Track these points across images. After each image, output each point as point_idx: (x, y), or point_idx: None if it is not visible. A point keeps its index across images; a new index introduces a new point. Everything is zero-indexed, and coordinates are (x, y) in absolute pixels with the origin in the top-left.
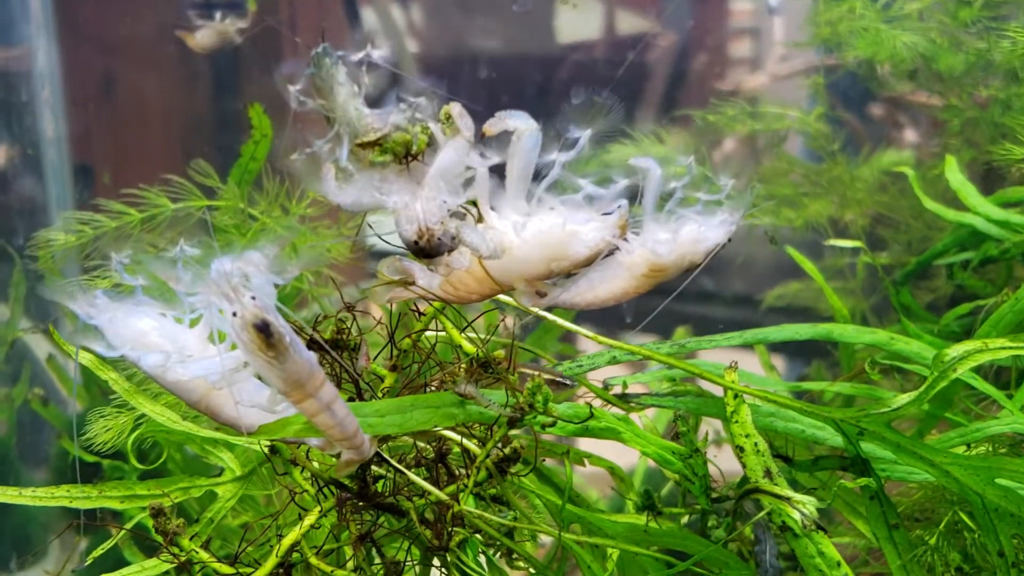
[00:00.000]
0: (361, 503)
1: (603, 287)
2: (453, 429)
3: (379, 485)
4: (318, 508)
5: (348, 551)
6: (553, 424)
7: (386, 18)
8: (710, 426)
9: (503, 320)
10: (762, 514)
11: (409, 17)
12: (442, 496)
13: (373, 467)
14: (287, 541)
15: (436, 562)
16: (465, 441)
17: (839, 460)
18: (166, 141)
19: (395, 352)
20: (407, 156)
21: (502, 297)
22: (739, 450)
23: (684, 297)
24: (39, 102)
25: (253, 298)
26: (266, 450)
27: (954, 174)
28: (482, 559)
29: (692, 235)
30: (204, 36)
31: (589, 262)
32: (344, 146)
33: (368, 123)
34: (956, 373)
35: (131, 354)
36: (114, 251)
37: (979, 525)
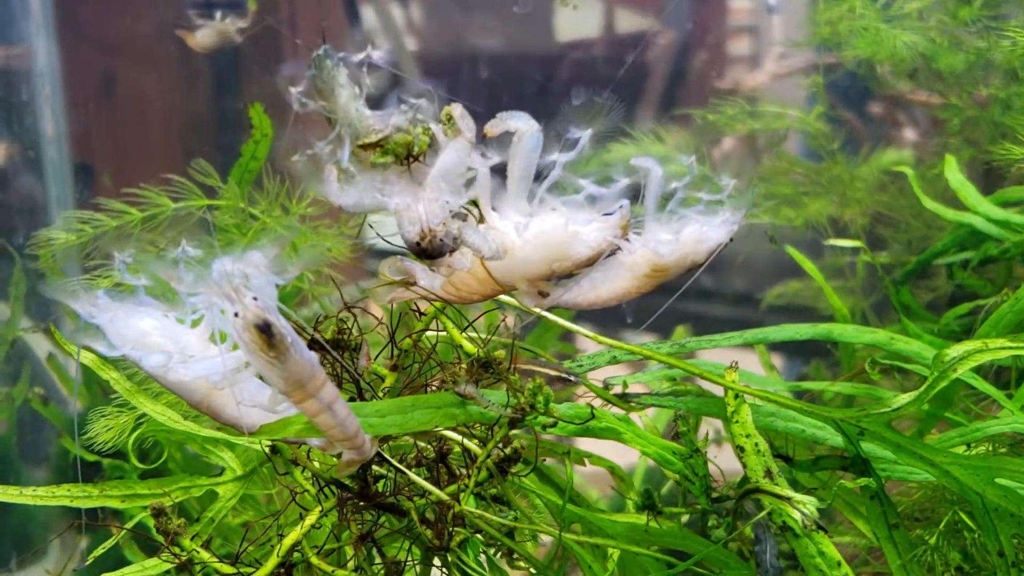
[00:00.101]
0: (362, 503)
1: (605, 287)
2: (454, 429)
3: (380, 485)
4: (319, 508)
5: (349, 551)
6: (554, 425)
7: (385, 17)
8: (710, 425)
9: (504, 320)
10: (763, 514)
11: (408, 15)
12: (443, 496)
13: (374, 467)
14: (288, 541)
15: (437, 562)
16: (466, 441)
17: (839, 460)
18: (166, 140)
19: (396, 352)
20: (408, 157)
21: (503, 297)
22: (740, 450)
23: (683, 295)
24: (39, 101)
25: (255, 298)
26: (267, 450)
27: (954, 174)
28: (483, 559)
29: (694, 235)
30: (204, 35)
31: (591, 262)
32: (346, 147)
33: (369, 124)
34: (956, 373)
35: (133, 354)
36: (115, 250)
37: (979, 525)
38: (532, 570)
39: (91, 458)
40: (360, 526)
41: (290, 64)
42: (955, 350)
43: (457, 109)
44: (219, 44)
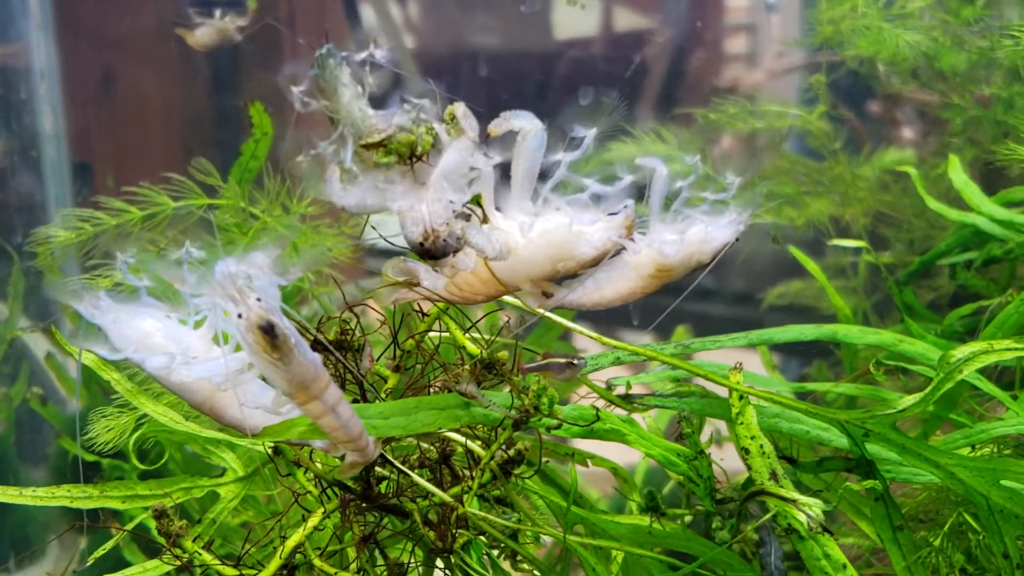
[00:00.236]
0: (365, 504)
1: (610, 287)
2: (457, 431)
3: (383, 486)
4: (322, 509)
5: (351, 553)
6: (559, 427)
7: (384, 15)
8: (711, 425)
9: (508, 321)
10: (768, 516)
11: (407, 14)
12: (446, 498)
13: (377, 468)
14: (291, 542)
15: (440, 564)
16: (469, 443)
17: (844, 461)
18: (165, 139)
19: (398, 353)
20: (412, 157)
21: (507, 298)
22: (744, 452)
23: (685, 295)
24: (38, 99)
25: (258, 300)
26: (269, 451)
27: (957, 173)
28: (486, 561)
29: (699, 235)
30: (204, 34)
31: (595, 262)
32: (348, 147)
33: (372, 124)
34: (962, 374)
35: (135, 356)
36: (116, 249)
37: (984, 526)
38: (535, 572)
39: (90, 458)
40: (363, 528)
41: (291, 63)
42: (961, 351)
43: (460, 108)
44: (218, 42)
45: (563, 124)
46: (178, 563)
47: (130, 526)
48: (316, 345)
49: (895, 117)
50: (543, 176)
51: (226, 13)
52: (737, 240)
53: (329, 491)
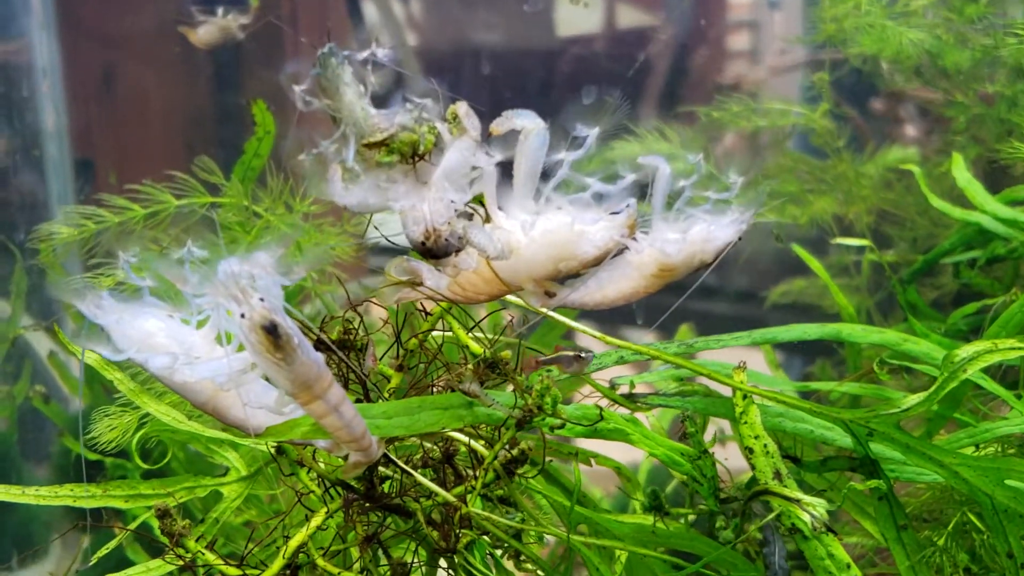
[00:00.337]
0: (368, 504)
1: (612, 287)
2: (460, 430)
3: (386, 486)
4: (325, 509)
5: (355, 552)
6: (562, 426)
7: (387, 12)
8: (715, 424)
9: (512, 320)
10: (771, 516)
11: (409, 11)
12: (449, 497)
13: (380, 468)
14: (294, 542)
15: (443, 563)
16: (473, 442)
17: (848, 461)
18: (167, 136)
19: (402, 352)
20: (414, 156)
21: (510, 297)
22: (748, 451)
23: (688, 293)
24: (40, 96)
25: (261, 299)
26: (272, 451)
27: (961, 172)
28: (489, 560)
29: (702, 234)
30: (206, 31)
31: (598, 262)
32: (350, 146)
33: (375, 123)
34: (966, 374)
35: (138, 356)
36: (118, 248)
37: (988, 526)
38: (539, 572)
39: (93, 457)
40: (366, 527)
41: (293, 62)
42: (965, 350)
43: (462, 107)
44: (221, 40)
45: (565, 123)
46: (181, 563)
47: (133, 525)
48: (319, 345)
49: (898, 115)
50: (545, 175)
51: (228, 11)
52: (740, 239)
53: (332, 491)
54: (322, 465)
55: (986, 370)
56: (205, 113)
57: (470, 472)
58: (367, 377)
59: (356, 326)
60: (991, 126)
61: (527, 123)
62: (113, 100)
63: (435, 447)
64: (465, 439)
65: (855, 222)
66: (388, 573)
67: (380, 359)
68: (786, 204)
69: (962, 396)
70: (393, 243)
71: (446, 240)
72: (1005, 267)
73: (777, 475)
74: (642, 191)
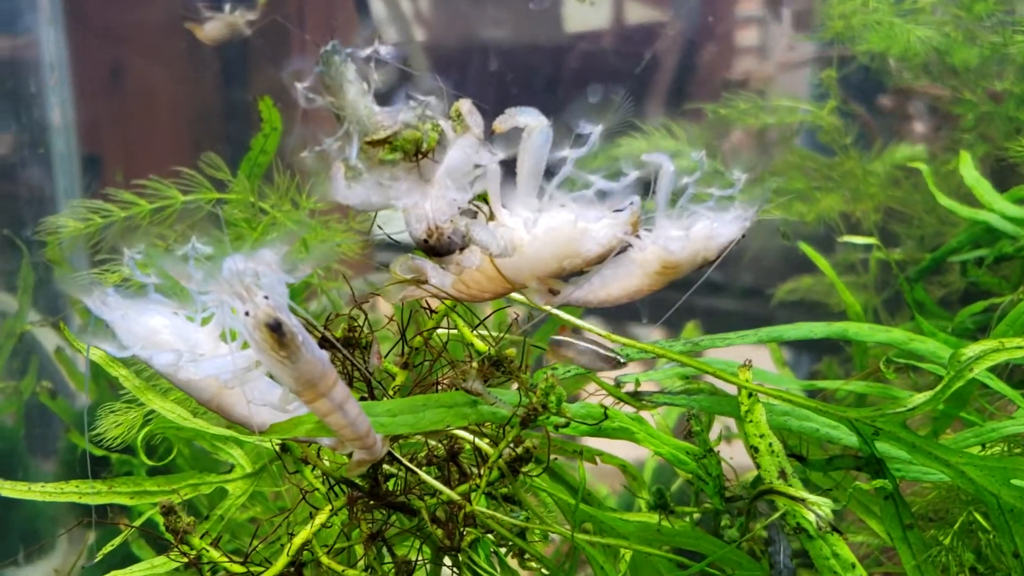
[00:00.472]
0: (372, 502)
1: (616, 284)
2: (465, 428)
3: (390, 484)
4: (329, 507)
5: (359, 550)
6: (567, 425)
7: (394, 8)
8: (720, 422)
9: (516, 318)
10: (777, 515)
11: (417, 7)
12: (454, 496)
13: (384, 466)
14: (298, 540)
15: (447, 562)
16: (477, 440)
17: (853, 460)
18: (175, 132)
19: (406, 350)
20: (417, 154)
21: (514, 295)
22: (753, 450)
23: (693, 290)
24: (47, 92)
25: (266, 297)
26: (277, 448)
27: (968, 170)
28: (493, 559)
29: (705, 231)
30: (213, 28)
31: (601, 259)
32: (354, 144)
33: (378, 121)
34: (973, 373)
35: (142, 353)
36: (124, 243)
37: (994, 526)
38: (543, 571)
39: (99, 453)
40: (370, 525)
41: (296, 59)
42: (972, 349)
43: (465, 105)
44: (228, 36)
45: (570, 120)
46: (186, 559)
47: (138, 522)
48: (323, 342)
49: (906, 112)
50: (549, 172)
51: (235, 7)
52: (744, 236)
53: (337, 488)
54: (327, 463)
55: (993, 369)
56: (212, 109)
57: (474, 470)
58: (372, 375)
59: (361, 323)
60: (999, 124)
61: (530, 120)
62: (120, 96)
63: (440, 445)
64: (470, 437)
65: (862, 220)
66: (392, 571)
67: (385, 357)
68: (793, 201)
69: (968, 395)
70: (397, 241)
71: (449, 238)
72: (1013, 265)
73: (782, 474)
74: (646, 188)
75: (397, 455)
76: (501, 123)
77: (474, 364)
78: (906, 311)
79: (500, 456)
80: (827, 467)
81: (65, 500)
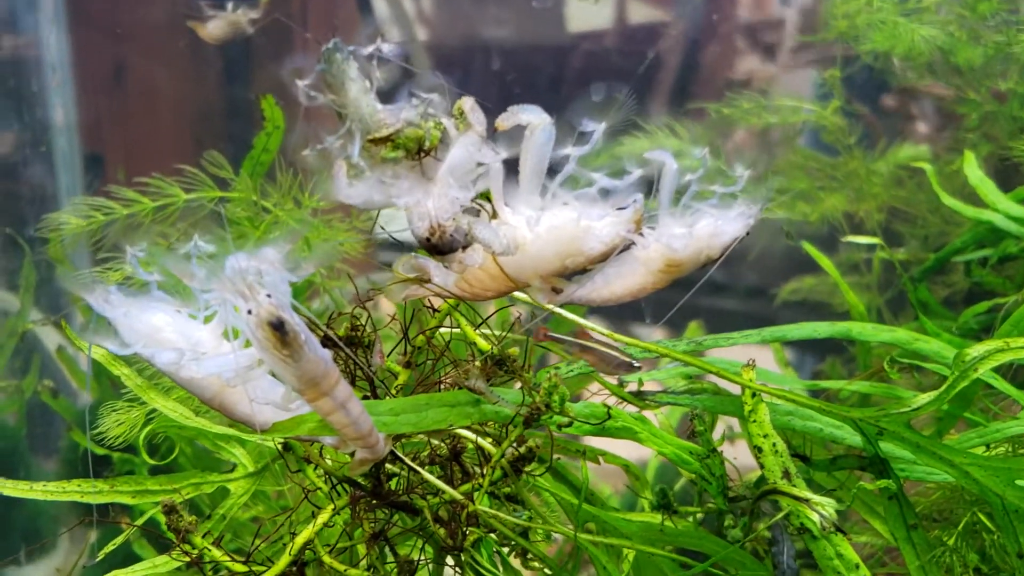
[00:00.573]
0: (375, 501)
1: (619, 283)
2: (468, 428)
3: (393, 483)
4: (331, 506)
5: (361, 549)
6: (570, 424)
7: (397, 7)
8: (723, 422)
9: (519, 317)
10: (780, 515)
11: (419, 6)
12: (456, 495)
13: (387, 465)
14: (300, 539)
15: (450, 561)
16: (480, 440)
17: (857, 460)
18: (177, 131)
19: (409, 348)
20: (419, 152)
21: (517, 294)
22: (757, 450)
23: (696, 290)
24: (49, 91)
25: (268, 296)
26: (279, 447)
27: (973, 170)
28: (496, 558)
29: (708, 229)
30: (216, 26)
31: (604, 258)
32: (356, 142)
33: (380, 119)
34: (977, 373)
35: (145, 351)
36: (126, 241)
37: (998, 526)
38: (546, 570)
39: (101, 452)
40: (373, 524)
41: (296, 57)
42: (976, 349)
43: (468, 103)
44: (230, 35)
45: (573, 119)
46: (188, 559)
47: (140, 521)
48: (326, 341)
49: (910, 111)
50: (552, 171)
51: (238, 6)
52: (748, 234)
53: (339, 488)
54: (329, 462)
55: (997, 369)
56: (214, 108)
57: (477, 470)
58: (374, 374)
59: (363, 322)
60: (1003, 123)
61: (533, 118)
62: (122, 95)
63: (442, 444)
64: (472, 436)
65: (866, 219)
66: (395, 570)
67: (387, 356)
68: (797, 201)
69: (973, 395)
70: (400, 241)
71: (451, 236)
72: (1017, 266)
73: (786, 474)
74: (649, 187)
75: (400, 454)
76: (504, 121)
77: (477, 363)
78: (909, 311)
79: (503, 455)
80: (831, 467)
81: (67, 499)
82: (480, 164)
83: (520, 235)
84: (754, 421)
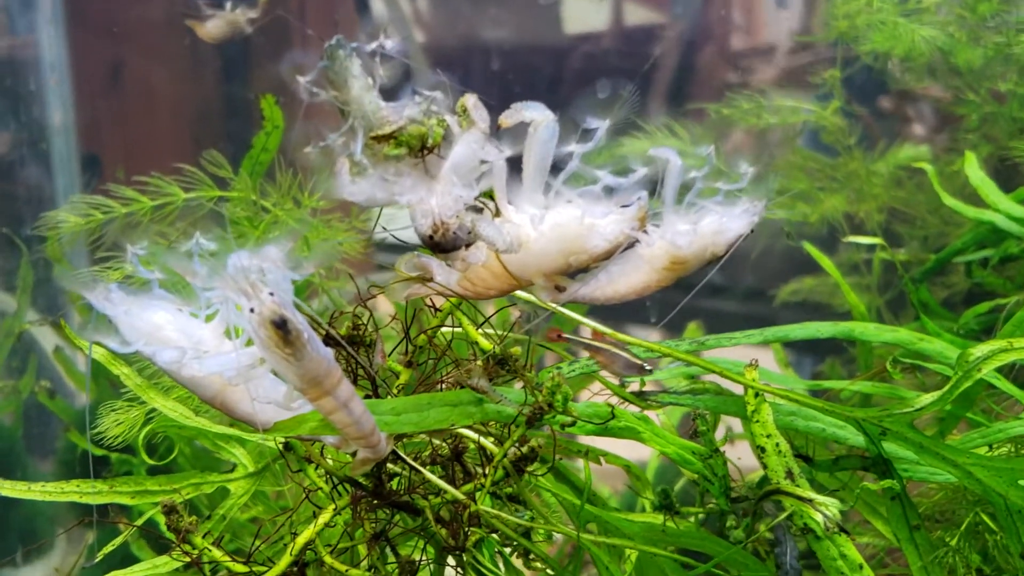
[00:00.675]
0: (376, 501)
1: (623, 281)
2: (470, 427)
3: (394, 483)
4: (332, 506)
5: (362, 550)
6: (573, 424)
7: (394, 8)
8: (723, 422)
9: (522, 316)
10: (783, 516)
11: (416, 7)
12: (458, 495)
13: (388, 465)
14: (301, 539)
15: (451, 561)
16: (482, 439)
17: (860, 460)
18: (175, 131)
19: (410, 348)
20: (423, 149)
21: (520, 293)
22: (760, 450)
23: (696, 291)
24: (47, 91)
25: (271, 294)
26: (280, 447)
27: (974, 170)
28: (498, 559)
29: (713, 226)
30: (214, 25)
31: (608, 255)
32: (358, 139)
33: (383, 116)
34: (981, 373)
35: (146, 350)
36: (125, 240)
37: (1001, 527)
38: (548, 571)
39: (99, 452)
40: (374, 525)
41: (296, 53)
42: (980, 349)
43: (471, 100)
44: (229, 34)
45: (575, 116)
46: (187, 559)
47: (139, 521)
48: (328, 340)
49: (906, 113)
50: (555, 168)
51: (236, 5)
52: (752, 232)
53: (340, 487)
54: (330, 462)
55: (999, 369)
56: (213, 108)
57: (479, 470)
58: (376, 373)
59: (365, 321)
60: (1003, 124)
61: (536, 115)
62: (120, 95)
63: (444, 444)
64: (475, 436)
65: (865, 220)
66: (396, 571)
67: (389, 355)
68: (796, 202)
69: (976, 395)
70: (400, 239)
71: (454, 233)
72: (1018, 266)
73: (789, 474)
74: (652, 187)
75: (401, 454)
76: (507, 118)
77: (479, 362)
78: (909, 312)
79: (505, 455)
80: (833, 468)
81: (66, 500)
82: (483, 161)
83: (523, 233)
84: (757, 421)
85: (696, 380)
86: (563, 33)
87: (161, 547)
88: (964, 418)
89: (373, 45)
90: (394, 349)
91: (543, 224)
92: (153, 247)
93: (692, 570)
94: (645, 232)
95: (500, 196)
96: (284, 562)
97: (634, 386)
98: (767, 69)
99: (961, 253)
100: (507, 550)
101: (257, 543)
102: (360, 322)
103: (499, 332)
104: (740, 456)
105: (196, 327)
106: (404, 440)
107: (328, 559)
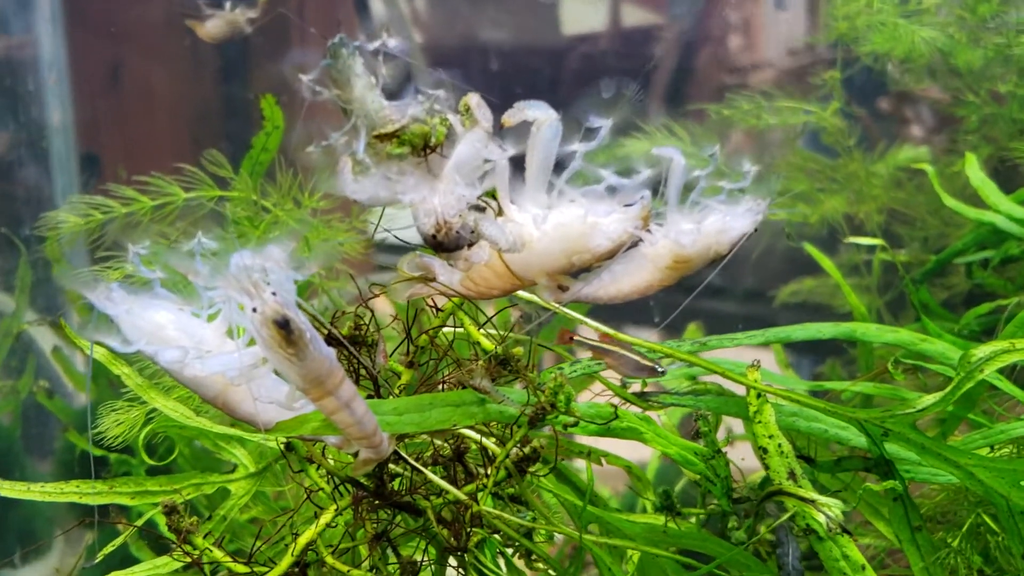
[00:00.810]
0: (377, 502)
1: (626, 280)
2: (472, 427)
3: (396, 483)
4: (334, 506)
5: (364, 550)
6: (575, 424)
7: (392, 7)
8: (724, 423)
9: (522, 316)
10: (786, 517)
11: (414, 7)
12: (460, 495)
13: (390, 465)
14: (302, 540)
15: (453, 562)
16: (484, 440)
17: (862, 461)
18: (174, 131)
19: (412, 348)
20: (425, 148)
21: (522, 293)
22: (762, 451)
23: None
24: (46, 91)
25: (274, 294)
26: (282, 447)
27: (975, 171)
28: (500, 559)
29: (717, 225)
30: (214, 25)
31: (611, 255)
32: (361, 138)
33: (386, 115)
34: (983, 374)
35: (148, 349)
36: (126, 240)
37: (1003, 528)
38: (550, 571)
39: (98, 453)
40: (375, 525)
41: (297, 52)
42: (982, 350)
43: (474, 99)
44: (229, 34)
45: (577, 115)
46: (188, 560)
47: (139, 522)
48: (330, 340)
49: (904, 115)
50: (558, 167)
51: (236, 5)
52: (756, 231)
53: (342, 488)
54: (332, 462)
55: (1000, 370)
56: (212, 108)
57: (481, 470)
58: (378, 373)
59: (367, 322)
60: (1003, 125)
61: (539, 114)
62: (119, 95)
63: (446, 444)
64: (476, 436)
65: (866, 221)
66: (397, 571)
67: (391, 355)
68: (796, 203)
69: (977, 396)
70: (401, 239)
71: (457, 233)
72: (1018, 267)
73: (792, 475)
74: (654, 186)
75: (403, 454)
76: (510, 117)
77: (481, 362)
78: (910, 313)
79: (507, 456)
80: (835, 468)
81: (65, 500)
82: (486, 161)
83: (526, 232)
84: (759, 422)
85: (697, 381)
86: (561, 34)
87: (161, 548)
88: (966, 419)
89: (376, 44)
90: (395, 349)
91: (546, 223)
92: (155, 246)
93: (694, 571)
94: (648, 231)
95: (503, 195)
96: (285, 562)
97: (635, 387)
98: (766, 71)
99: (962, 254)
100: (509, 551)
101: (258, 544)
102: (362, 322)
103: (501, 332)
104: (743, 457)
105: (198, 327)
106: (406, 440)
107: (330, 559)
